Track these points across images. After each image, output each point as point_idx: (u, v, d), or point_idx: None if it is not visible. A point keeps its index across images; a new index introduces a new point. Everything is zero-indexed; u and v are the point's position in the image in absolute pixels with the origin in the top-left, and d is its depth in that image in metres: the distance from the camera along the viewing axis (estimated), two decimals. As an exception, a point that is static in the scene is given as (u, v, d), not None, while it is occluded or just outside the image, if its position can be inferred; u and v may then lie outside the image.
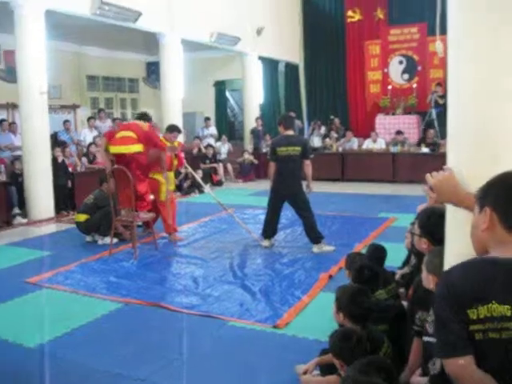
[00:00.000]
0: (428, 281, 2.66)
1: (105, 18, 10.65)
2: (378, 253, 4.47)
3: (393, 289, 3.91)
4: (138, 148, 7.08)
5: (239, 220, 8.02)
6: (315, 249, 6.79)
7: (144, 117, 7.73)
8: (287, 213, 7.22)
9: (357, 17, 18.06)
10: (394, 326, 3.50)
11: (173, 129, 8.06)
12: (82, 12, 10.18)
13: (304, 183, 6.97)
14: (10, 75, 12.91)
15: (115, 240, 7.32)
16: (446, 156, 2.27)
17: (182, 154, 8.26)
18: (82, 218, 7.72)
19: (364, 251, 4.86)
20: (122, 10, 10.72)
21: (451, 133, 2.23)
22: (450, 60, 2.19)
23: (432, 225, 2.89)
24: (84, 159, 11.48)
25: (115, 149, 7.05)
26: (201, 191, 12.27)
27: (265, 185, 11.74)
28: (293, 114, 15.53)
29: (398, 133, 13.99)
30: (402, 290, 3.97)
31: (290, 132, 6.95)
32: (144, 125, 7.30)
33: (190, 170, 9.19)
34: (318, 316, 4.74)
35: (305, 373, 3.39)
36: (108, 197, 7.22)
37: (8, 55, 13.65)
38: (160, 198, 7.60)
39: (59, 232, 8.80)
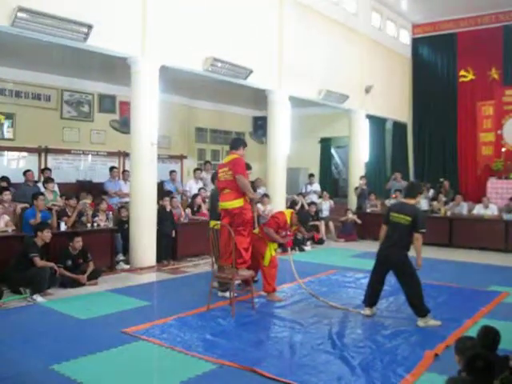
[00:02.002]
0: None
1: (216, 75, 10.95)
2: (491, 337, 4.09)
3: (506, 377, 3.53)
4: (239, 203, 7.12)
5: (313, 292, 7.76)
6: (420, 322, 6.37)
7: (235, 143, 7.64)
8: (390, 279, 6.87)
9: (469, 76, 17.62)
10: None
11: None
12: (195, 68, 10.52)
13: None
14: (124, 126, 13.55)
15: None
16: None
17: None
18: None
19: (474, 330, 4.48)
20: (234, 67, 11.00)
21: None
22: None
23: None
24: (188, 210, 11.67)
25: (221, 205, 7.13)
26: (301, 249, 12.09)
27: (368, 246, 11.44)
28: (398, 175, 15.25)
29: (512, 199, 13.23)
30: (517, 378, 3.57)
31: (410, 201, 6.65)
32: (235, 155, 7.35)
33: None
34: (423, 400, 4.37)
35: None
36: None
37: (123, 106, 14.38)
38: (264, 263, 7.54)
39: (159, 281, 8.91)
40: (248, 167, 8.13)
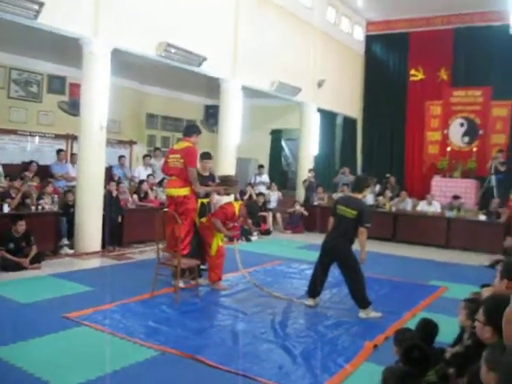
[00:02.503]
0: (487, 378, 2.42)
1: (169, 61, 10.84)
2: (429, 329, 4.23)
3: (441, 368, 3.66)
4: (185, 191, 7.23)
5: (257, 283, 7.85)
6: (362, 314, 6.51)
7: (189, 130, 7.65)
8: (334, 271, 6.99)
9: (420, 76, 17.97)
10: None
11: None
12: (148, 53, 10.39)
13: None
14: (73, 108, 13.26)
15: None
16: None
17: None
18: None
19: (413, 322, 4.60)
20: (187, 54, 10.90)
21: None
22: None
23: (501, 315, 2.65)
24: (135, 196, 11.56)
25: (167, 191, 7.15)
26: (248, 239, 12.15)
27: (314, 238, 11.58)
28: (346, 170, 15.46)
29: (455, 197, 13.61)
30: (451, 370, 3.70)
31: (357, 195, 6.75)
32: (188, 143, 7.38)
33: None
34: (360, 389, 4.47)
35: None
36: None
37: (73, 88, 14.06)
38: (210, 252, 7.55)
39: (103, 267, 8.81)
40: (208, 156, 8.14)
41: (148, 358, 4.93)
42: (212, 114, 18.36)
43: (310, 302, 6.91)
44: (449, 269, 10.12)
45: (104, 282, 7.60)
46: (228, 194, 7.82)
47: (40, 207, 9.39)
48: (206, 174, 8.10)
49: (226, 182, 7.96)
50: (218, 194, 7.85)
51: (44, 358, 4.77)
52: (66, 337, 5.39)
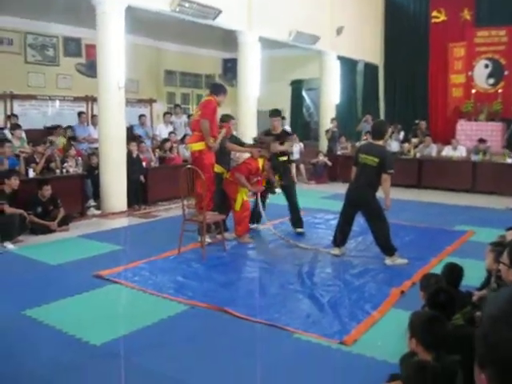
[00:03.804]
0: None
1: (184, 15, 10.69)
2: (454, 273, 4.23)
3: (468, 312, 3.67)
4: (199, 146, 7.26)
5: (282, 235, 7.91)
6: (388, 261, 6.53)
7: (217, 89, 7.64)
8: (359, 220, 6.98)
9: (442, 17, 17.47)
10: (470, 356, 3.25)
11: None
12: (162, 8, 10.25)
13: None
14: (90, 69, 13.22)
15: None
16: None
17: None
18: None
19: (439, 268, 4.60)
20: (202, 8, 10.73)
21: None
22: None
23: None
24: (158, 152, 11.61)
25: (187, 146, 7.24)
26: (272, 192, 12.13)
27: (338, 188, 11.54)
28: (369, 117, 15.26)
29: (481, 141, 13.35)
30: (478, 313, 3.71)
31: (378, 142, 6.68)
32: (210, 97, 7.42)
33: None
34: (387, 334, 4.52)
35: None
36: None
37: (89, 50, 14.00)
38: (235, 207, 7.59)
39: (131, 226, 8.92)
40: (276, 114, 8.19)
41: (178, 313, 5.03)
42: (230, 68, 18.17)
43: (335, 251, 6.94)
44: (475, 213, 10.02)
45: (132, 241, 7.70)
46: (262, 157, 7.75)
47: (65, 170, 9.49)
48: (277, 132, 8.17)
49: (261, 144, 7.94)
50: (252, 154, 7.79)
51: (76, 317, 4.90)
52: (97, 295, 5.52)
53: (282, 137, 8.13)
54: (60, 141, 11.16)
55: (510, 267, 2.78)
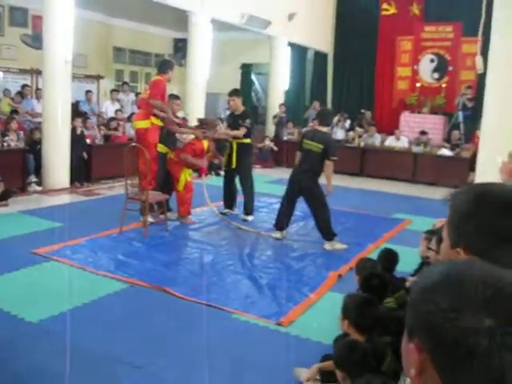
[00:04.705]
0: None
1: (136, -9, 10.53)
2: (389, 258, 4.39)
3: (401, 296, 3.82)
4: (145, 124, 7.26)
5: (225, 217, 8.01)
6: (327, 246, 6.68)
7: (163, 66, 7.62)
8: (302, 205, 7.11)
9: (392, 10, 17.71)
10: (399, 338, 3.39)
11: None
12: (114, -17, 10.07)
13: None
14: (36, 41, 12.86)
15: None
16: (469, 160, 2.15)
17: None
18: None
19: (376, 253, 4.75)
20: (155, -15, 10.58)
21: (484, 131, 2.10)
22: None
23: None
24: (103, 129, 11.44)
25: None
26: (217, 174, 12.18)
27: (283, 173, 11.65)
28: (317, 104, 15.42)
29: (422, 133, 13.75)
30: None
31: (322, 128, 6.79)
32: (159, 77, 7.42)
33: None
34: (323, 317, 4.64)
35: (307, 380, 3.30)
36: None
37: (36, 20, 13.58)
38: (178, 188, 7.57)
39: (72, 203, 8.79)
40: (234, 93, 8.15)
41: (117, 291, 5.03)
42: (181, 48, 17.97)
43: (277, 234, 7.05)
44: (414, 202, 10.32)
45: (73, 218, 7.59)
46: (206, 138, 7.73)
47: (6, 144, 9.25)
48: (238, 112, 8.13)
49: (205, 125, 7.91)
50: (196, 136, 7.75)
51: (13, 293, 4.83)
52: (36, 272, 5.45)
53: (242, 118, 8.09)
54: (5, 102, 10.89)
55: (437, 253, 2.91)
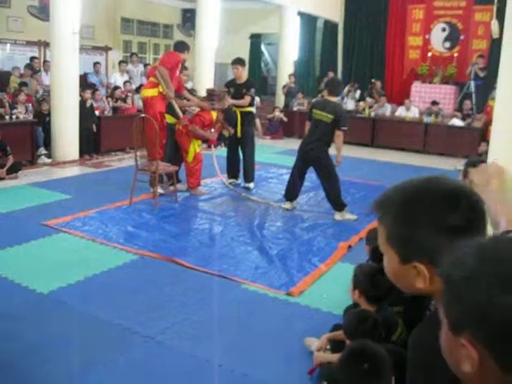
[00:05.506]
0: None
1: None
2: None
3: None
4: (151, 93, 7.21)
5: (234, 188, 8.02)
6: (337, 216, 6.65)
7: (179, 46, 7.62)
8: (312, 175, 7.07)
9: (403, -22, 17.39)
10: (410, 308, 3.38)
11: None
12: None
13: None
14: (43, 12, 12.76)
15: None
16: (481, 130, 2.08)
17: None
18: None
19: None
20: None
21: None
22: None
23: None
24: (111, 101, 11.37)
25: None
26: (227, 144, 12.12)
27: (293, 143, 11.58)
28: (330, 74, 15.25)
29: (434, 103, 13.58)
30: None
31: (332, 98, 6.70)
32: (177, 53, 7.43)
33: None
34: (333, 287, 4.64)
35: (318, 349, 3.30)
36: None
37: (42, -9, 13.47)
38: (187, 159, 7.52)
39: (82, 175, 8.79)
40: (238, 62, 8.10)
41: (127, 262, 5.04)
42: (189, 18, 17.79)
43: (287, 205, 7.02)
44: (425, 173, 9.93)
45: (82, 190, 7.62)
46: (214, 110, 7.67)
47: (14, 117, 9.22)
48: (241, 81, 8.07)
49: (214, 97, 7.84)
50: (203, 108, 7.68)
51: (24, 265, 4.85)
52: (46, 244, 5.47)
53: (246, 87, 8.04)
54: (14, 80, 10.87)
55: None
